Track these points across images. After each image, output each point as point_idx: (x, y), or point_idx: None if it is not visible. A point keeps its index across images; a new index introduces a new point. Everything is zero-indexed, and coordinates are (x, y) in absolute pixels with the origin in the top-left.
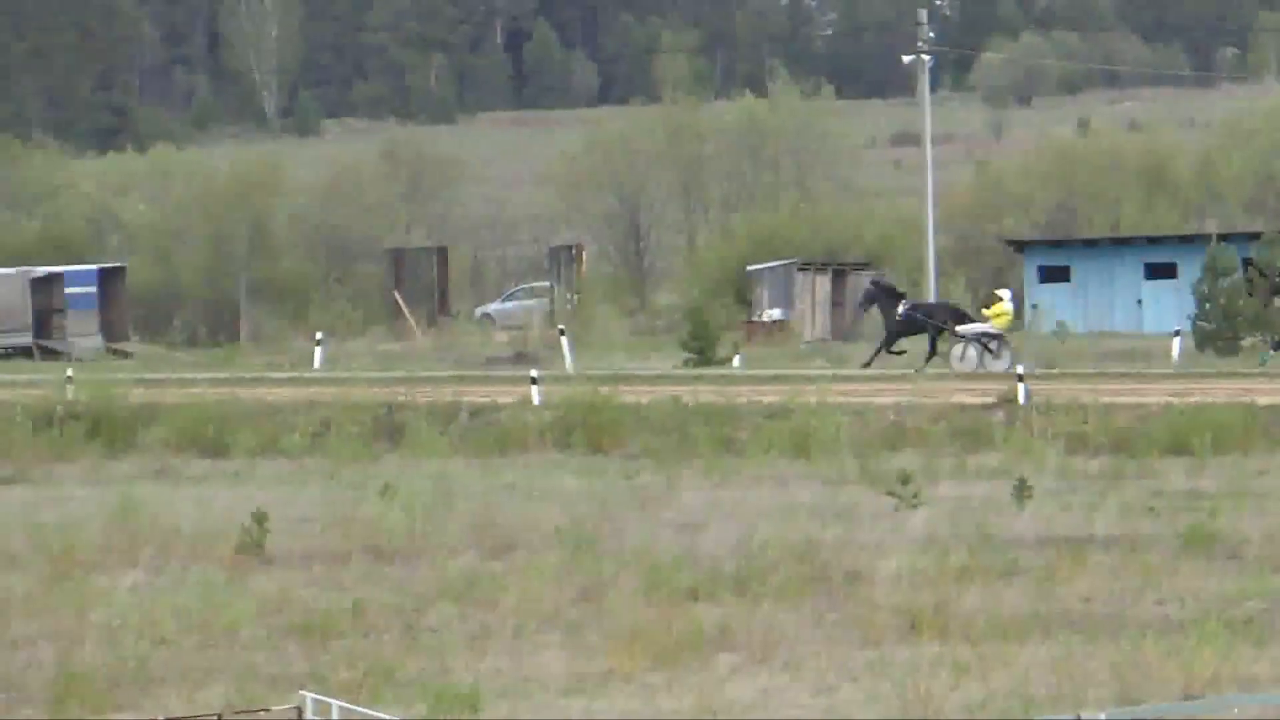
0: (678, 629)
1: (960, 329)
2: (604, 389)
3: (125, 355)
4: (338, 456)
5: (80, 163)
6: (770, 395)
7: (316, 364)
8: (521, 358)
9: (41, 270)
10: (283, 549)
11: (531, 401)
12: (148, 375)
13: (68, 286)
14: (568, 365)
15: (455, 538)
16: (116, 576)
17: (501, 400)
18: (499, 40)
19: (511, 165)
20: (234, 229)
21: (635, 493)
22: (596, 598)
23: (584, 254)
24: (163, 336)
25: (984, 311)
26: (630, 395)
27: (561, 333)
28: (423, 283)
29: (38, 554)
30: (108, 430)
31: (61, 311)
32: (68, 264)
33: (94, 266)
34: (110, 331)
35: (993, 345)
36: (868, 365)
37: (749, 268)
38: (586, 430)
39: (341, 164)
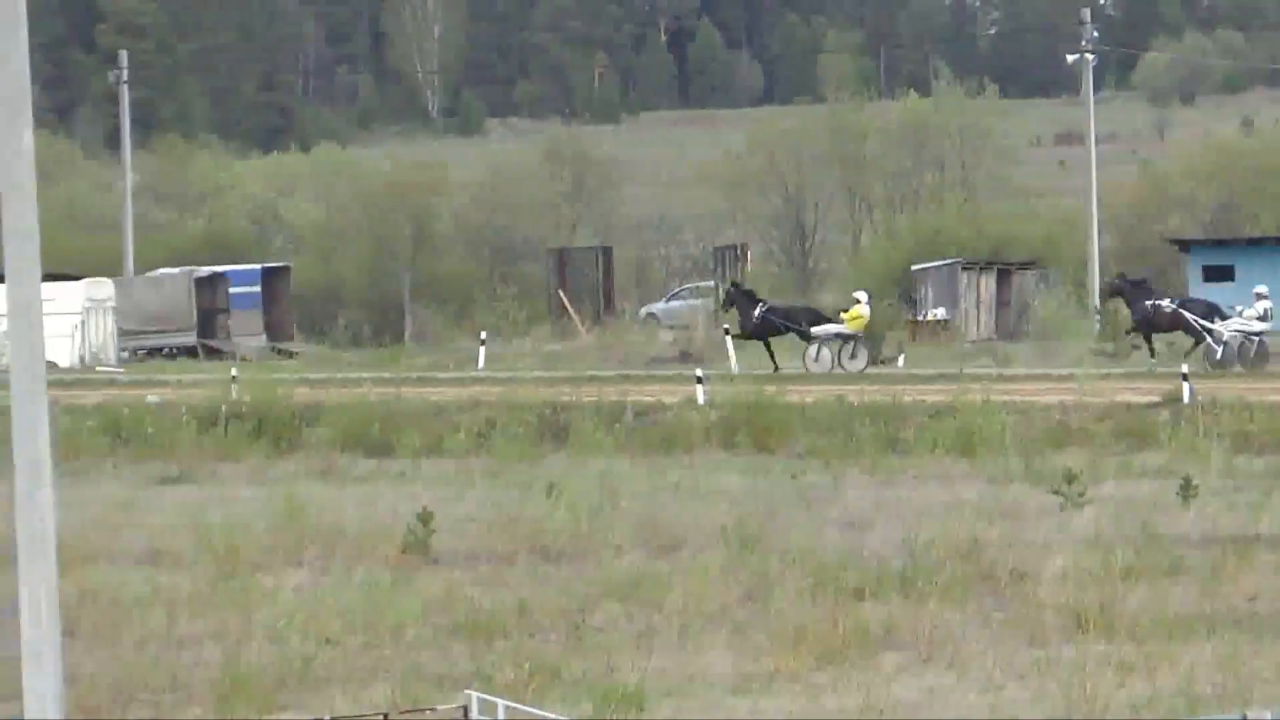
0: (843, 628)
1: (815, 330)
2: (769, 388)
3: (289, 355)
4: (503, 456)
5: (244, 162)
6: (935, 394)
7: (481, 364)
8: (686, 357)
9: (206, 270)
10: (448, 549)
11: (696, 401)
12: (312, 375)
13: (232, 286)
14: (732, 364)
15: (620, 537)
16: (282, 576)
17: (666, 399)
18: (662, 39)
19: (676, 165)
20: (398, 228)
21: (800, 492)
22: (762, 597)
23: (749, 253)
24: (327, 336)
25: (841, 314)
26: (795, 394)
27: (726, 332)
28: (587, 282)
29: (204, 554)
30: (272, 430)
31: (226, 311)
32: (232, 263)
33: (258, 266)
34: (274, 331)
35: (844, 346)
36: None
37: (913, 267)
38: (751, 429)
39: (505, 163)
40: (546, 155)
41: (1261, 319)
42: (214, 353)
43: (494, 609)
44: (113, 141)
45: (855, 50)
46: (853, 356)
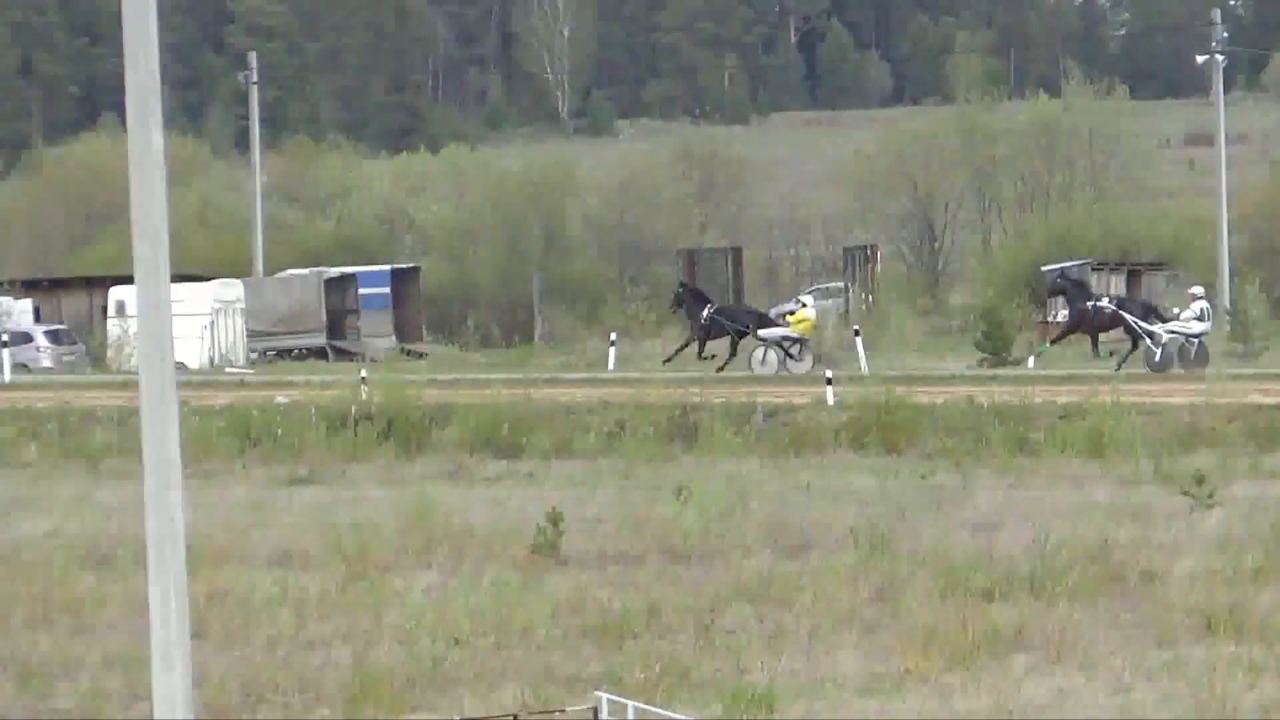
0: (973, 629)
1: (762, 333)
2: (899, 389)
3: (419, 356)
4: (632, 457)
5: (373, 163)
6: (1065, 395)
7: (611, 364)
8: (816, 358)
9: (335, 271)
10: (577, 550)
11: (826, 402)
12: (441, 376)
13: (361, 287)
14: (862, 366)
15: (750, 538)
16: (411, 577)
17: (796, 401)
18: (792, 40)
19: (805, 165)
20: (527, 229)
21: (930, 493)
22: (892, 598)
23: (879, 254)
24: (456, 337)
25: (787, 317)
26: (925, 395)
27: (856, 333)
28: (717, 283)
29: (333, 555)
30: (402, 431)
31: (355, 312)
32: (361, 264)
33: (387, 267)
34: (404, 332)
35: (794, 349)
36: (668, 361)
37: (1043, 268)
38: (881, 430)
39: (635, 164)
40: (676, 156)
41: (1199, 319)
42: (343, 354)
43: (624, 610)
44: (242, 142)
45: (985, 51)
46: (798, 360)
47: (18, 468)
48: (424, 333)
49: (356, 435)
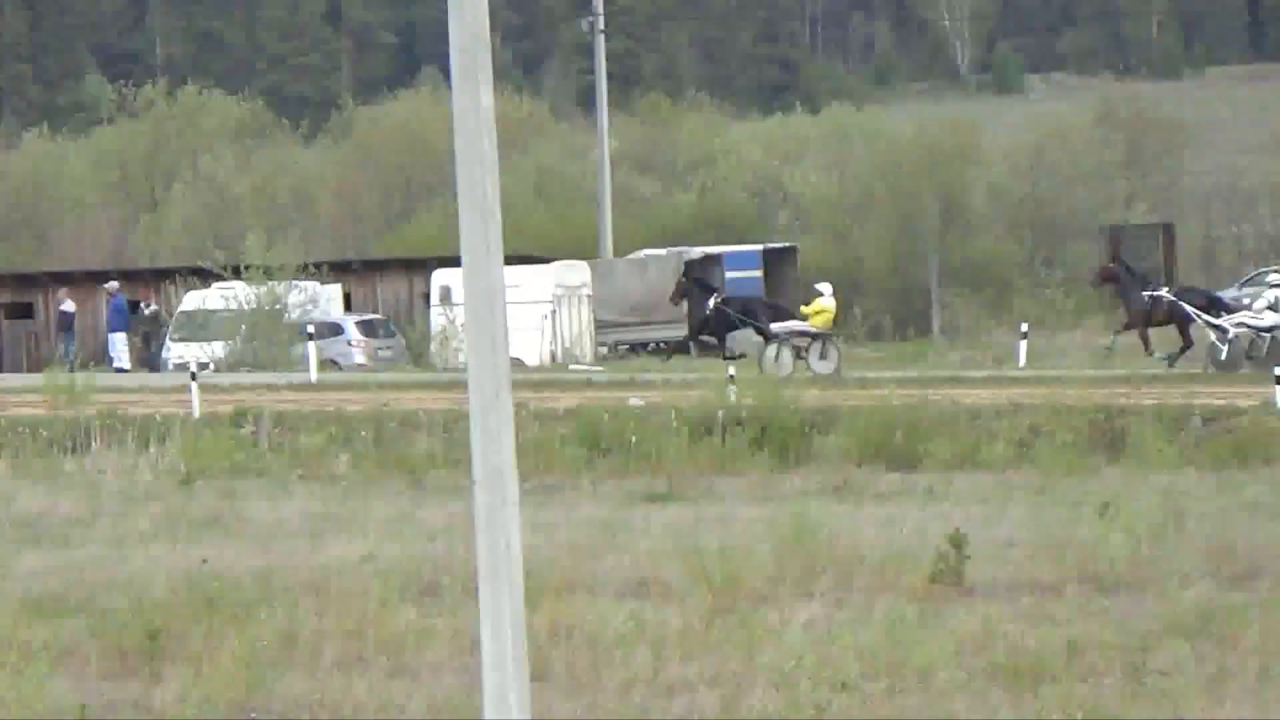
0: None
1: (774, 327)
2: None
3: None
4: (1048, 469)
5: (742, 125)
6: None
7: (1021, 361)
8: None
9: (697, 251)
10: (984, 577)
11: (1276, 405)
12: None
13: (728, 270)
14: None
15: (1188, 564)
16: (789, 610)
17: (1240, 403)
18: None
19: (1249, 128)
20: (923, 203)
21: None
22: None
23: None
24: (840, 329)
25: (803, 309)
26: None
27: None
28: (1146, 265)
29: (697, 584)
30: (777, 438)
31: None
32: (728, 244)
33: (759, 247)
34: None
35: (811, 346)
36: (668, 358)
37: None
38: None
39: (1049, 127)
40: (1097, 117)
41: (1272, 308)
42: (708, 348)
43: (1039, 648)
44: (587, 101)
45: None
46: (822, 357)
47: (327, 482)
48: None
49: (724, 444)
